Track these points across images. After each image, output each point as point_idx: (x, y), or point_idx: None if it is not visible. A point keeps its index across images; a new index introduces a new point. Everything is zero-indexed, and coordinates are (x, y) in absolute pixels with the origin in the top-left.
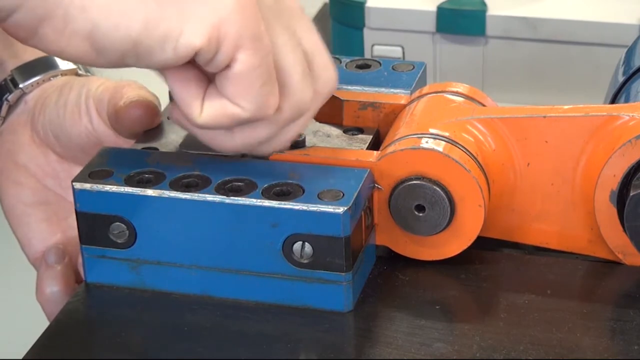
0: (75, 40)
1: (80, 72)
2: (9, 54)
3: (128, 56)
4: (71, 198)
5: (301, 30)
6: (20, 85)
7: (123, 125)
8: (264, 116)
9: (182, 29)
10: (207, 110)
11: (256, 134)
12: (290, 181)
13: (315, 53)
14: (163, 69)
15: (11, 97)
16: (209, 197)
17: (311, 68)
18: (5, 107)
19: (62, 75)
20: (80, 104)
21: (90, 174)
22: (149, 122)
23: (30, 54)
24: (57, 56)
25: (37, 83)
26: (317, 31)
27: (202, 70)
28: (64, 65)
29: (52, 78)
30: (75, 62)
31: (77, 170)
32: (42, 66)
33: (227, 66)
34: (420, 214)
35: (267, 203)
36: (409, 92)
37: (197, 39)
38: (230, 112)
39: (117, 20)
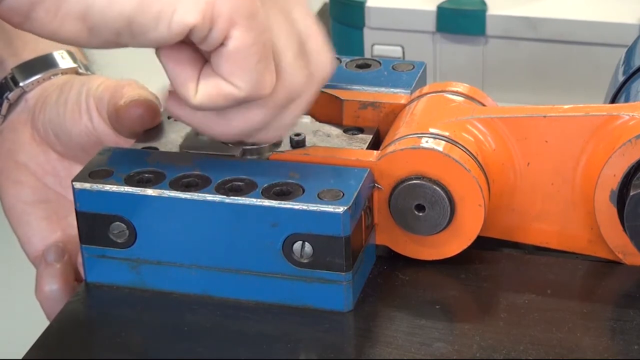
0: (69, 21)
1: (80, 70)
2: (9, 53)
3: (122, 35)
4: (71, 197)
5: (297, 12)
6: (21, 84)
7: (123, 125)
8: (260, 95)
9: (175, 6)
10: (202, 90)
11: (250, 118)
12: (290, 181)
13: (310, 36)
14: (157, 48)
15: (11, 95)
16: (209, 197)
17: (306, 51)
18: (5, 105)
19: (62, 73)
20: (81, 103)
21: (90, 173)
22: (149, 122)
23: (30, 52)
24: (51, 39)
25: (38, 81)
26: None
27: (197, 50)
28: (64, 64)
29: (52, 77)
30: (69, 44)
31: (77, 168)
32: (43, 65)
33: (222, 44)
34: (420, 214)
35: (267, 203)
36: (409, 91)
37: (191, 16)
38: (226, 91)
39: None
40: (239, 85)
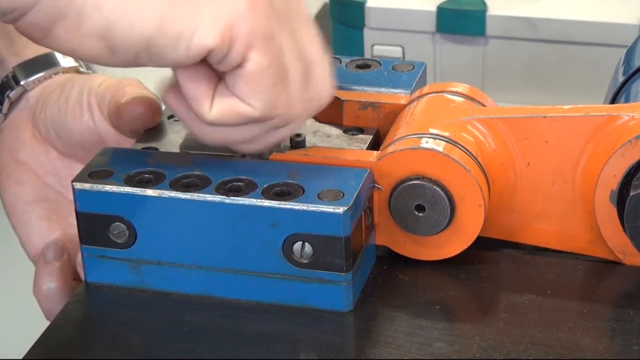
0: (89, 40)
1: (81, 69)
2: (10, 52)
3: (141, 56)
4: (71, 196)
5: (305, 38)
6: (22, 82)
7: (124, 122)
8: (274, 116)
9: (195, 28)
10: (217, 107)
11: (241, 132)
12: (290, 181)
13: (315, 64)
14: (174, 68)
15: (12, 94)
16: (209, 197)
17: (308, 79)
18: (6, 104)
19: (63, 72)
20: (82, 101)
21: (90, 173)
22: (149, 120)
23: (32, 51)
24: (70, 55)
25: (39, 80)
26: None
27: (213, 68)
28: (65, 62)
29: (53, 75)
30: (88, 62)
31: (77, 167)
32: (44, 63)
33: (239, 65)
34: (420, 214)
35: (267, 203)
36: (409, 92)
37: (210, 39)
38: (241, 111)
39: (131, 20)
40: (254, 105)
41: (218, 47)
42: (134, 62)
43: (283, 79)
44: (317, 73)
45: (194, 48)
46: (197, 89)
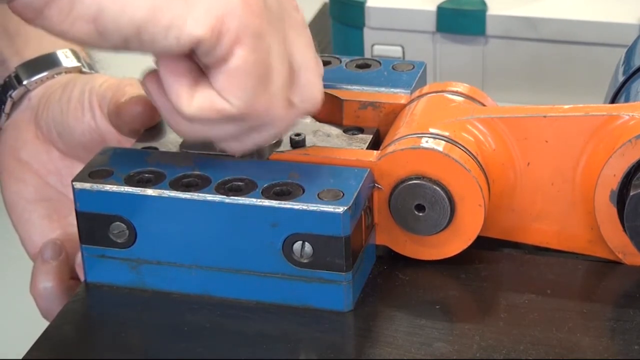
0: (80, 22)
1: (84, 69)
2: (11, 52)
3: (131, 41)
4: (72, 195)
5: (297, 42)
6: (24, 82)
7: (124, 122)
8: (252, 115)
9: (186, 18)
10: (197, 102)
11: (219, 128)
12: (290, 181)
13: (304, 68)
14: (161, 57)
15: (15, 93)
16: (209, 197)
17: (296, 82)
18: (9, 103)
19: (66, 72)
20: (84, 101)
21: (90, 173)
22: (149, 119)
23: (33, 50)
24: (61, 37)
25: (42, 80)
26: (315, 48)
27: (196, 62)
28: (68, 62)
29: (56, 75)
30: (77, 44)
31: (79, 167)
32: (47, 63)
33: (224, 60)
34: (420, 214)
35: (267, 203)
36: (409, 91)
37: (200, 30)
38: (219, 107)
39: (123, 5)
40: (233, 102)
41: (207, 39)
42: (124, 47)
43: (266, 79)
44: (306, 78)
45: (184, 38)
46: (178, 82)
